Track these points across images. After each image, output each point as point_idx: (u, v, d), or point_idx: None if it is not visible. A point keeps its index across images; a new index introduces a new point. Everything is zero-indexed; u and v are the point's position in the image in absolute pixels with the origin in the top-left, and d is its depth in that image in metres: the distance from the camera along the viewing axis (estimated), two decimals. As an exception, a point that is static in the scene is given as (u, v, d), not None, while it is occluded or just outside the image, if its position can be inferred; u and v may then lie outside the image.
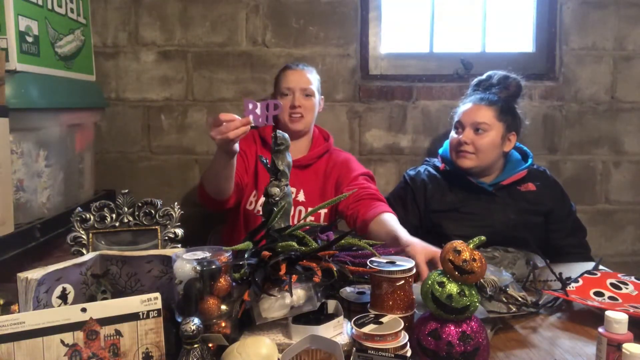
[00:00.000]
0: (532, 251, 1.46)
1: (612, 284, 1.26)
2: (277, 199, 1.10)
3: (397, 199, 1.80)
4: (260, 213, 1.64)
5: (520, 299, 1.15)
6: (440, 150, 1.83)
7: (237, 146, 1.39)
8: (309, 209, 1.67)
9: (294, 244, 0.99)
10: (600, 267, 1.43)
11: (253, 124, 1.30)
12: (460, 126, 1.72)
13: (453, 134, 1.75)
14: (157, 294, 0.84)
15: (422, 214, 1.72)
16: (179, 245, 1.08)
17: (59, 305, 0.89)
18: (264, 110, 1.29)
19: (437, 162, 1.80)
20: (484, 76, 1.81)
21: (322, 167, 1.76)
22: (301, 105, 1.70)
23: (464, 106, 1.74)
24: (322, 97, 1.84)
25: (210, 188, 1.57)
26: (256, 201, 1.69)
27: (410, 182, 1.78)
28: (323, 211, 1.70)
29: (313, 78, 1.77)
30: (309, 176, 1.72)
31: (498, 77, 1.77)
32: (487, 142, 1.66)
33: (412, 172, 1.82)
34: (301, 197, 1.70)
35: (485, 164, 1.69)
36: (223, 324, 0.92)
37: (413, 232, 1.68)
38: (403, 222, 1.70)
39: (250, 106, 1.29)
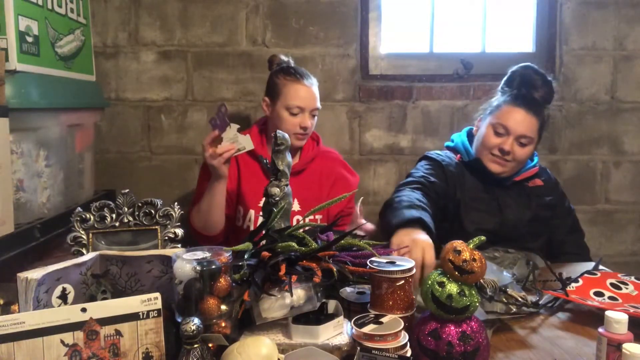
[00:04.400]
0: (533, 251, 1.46)
1: (612, 284, 1.26)
2: (277, 199, 1.10)
3: (430, 170, 1.67)
4: (250, 228, 1.67)
5: (520, 299, 1.15)
6: (452, 144, 1.78)
7: (226, 169, 1.52)
8: (308, 218, 1.67)
9: (294, 244, 0.99)
10: (600, 267, 1.43)
11: (220, 134, 1.49)
12: (504, 130, 1.60)
13: (491, 133, 1.62)
14: (157, 294, 0.84)
15: (450, 189, 1.65)
16: (179, 245, 1.08)
17: (59, 305, 0.89)
18: (221, 119, 1.48)
19: (450, 153, 1.76)
20: (517, 68, 1.70)
21: (315, 171, 1.75)
22: (310, 126, 1.68)
23: (512, 108, 1.61)
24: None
25: (202, 223, 1.59)
26: (242, 217, 1.69)
27: (439, 160, 1.70)
28: (318, 217, 1.70)
29: (318, 92, 1.71)
30: (303, 183, 1.70)
31: (533, 75, 1.67)
32: (526, 153, 1.62)
33: (434, 152, 1.76)
34: (296, 206, 1.67)
35: (513, 172, 1.66)
36: (223, 324, 0.92)
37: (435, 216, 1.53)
38: (435, 198, 1.59)
39: (212, 123, 1.50)
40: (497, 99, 1.70)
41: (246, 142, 1.51)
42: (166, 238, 1.08)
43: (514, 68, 1.72)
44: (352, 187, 1.77)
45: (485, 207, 1.65)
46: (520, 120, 1.60)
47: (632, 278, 1.29)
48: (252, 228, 1.67)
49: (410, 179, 1.64)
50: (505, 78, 1.74)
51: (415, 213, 1.34)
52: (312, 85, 1.69)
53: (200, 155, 2.12)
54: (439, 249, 0.96)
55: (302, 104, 1.64)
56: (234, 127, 1.50)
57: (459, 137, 1.78)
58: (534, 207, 1.66)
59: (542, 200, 1.68)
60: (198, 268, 0.87)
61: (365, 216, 2.14)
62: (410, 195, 1.49)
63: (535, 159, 1.74)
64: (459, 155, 1.73)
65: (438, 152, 1.78)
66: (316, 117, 1.72)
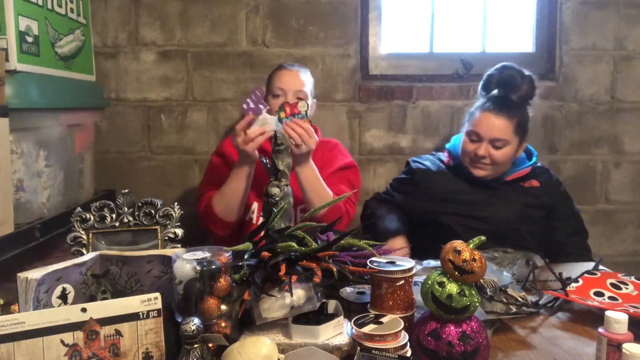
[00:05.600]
0: (532, 251, 1.46)
1: (612, 284, 1.26)
2: (277, 199, 1.10)
3: (396, 182, 1.79)
4: (253, 220, 1.67)
5: (520, 299, 1.15)
6: (448, 146, 1.81)
7: (257, 154, 1.48)
8: (299, 207, 1.67)
9: (294, 244, 0.99)
10: (600, 267, 1.43)
11: (255, 116, 1.44)
12: (476, 137, 1.65)
13: (467, 140, 1.68)
14: (157, 294, 0.84)
15: (424, 203, 1.71)
16: (179, 245, 1.08)
17: (59, 305, 0.89)
18: (255, 101, 1.43)
19: (443, 156, 1.80)
20: (493, 70, 1.72)
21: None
22: None
23: (481, 114, 1.66)
24: (315, 100, 1.81)
25: (224, 208, 1.56)
26: (246, 209, 1.69)
27: (415, 169, 1.77)
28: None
29: (307, 80, 1.72)
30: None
31: (511, 74, 1.69)
32: (504, 155, 1.64)
33: (417, 159, 1.81)
34: None
35: (498, 173, 1.69)
36: (223, 324, 0.92)
37: (410, 221, 1.70)
38: (402, 210, 1.75)
39: (245, 106, 1.43)
40: (474, 105, 1.73)
41: (275, 123, 1.46)
42: (166, 238, 1.08)
43: (490, 71, 1.74)
44: (343, 152, 1.80)
45: (471, 208, 1.67)
46: (490, 125, 1.63)
47: (632, 278, 1.29)
48: (254, 220, 1.68)
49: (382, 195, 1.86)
50: (481, 83, 1.76)
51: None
52: (299, 71, 1.72)
53: (200, 156, 2.12)
54: (438, 249, 0.96)
55: (283, 85, 1.67)
56: (264, 109, 1.46)
57: (454, 140, 1.82)
58: (524, 206, 1.67)
59: (536, 201, 1.68)
60: (198, 268, 0.87)
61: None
62: (381, 217, 1.73)
63: (534, 159, 1.74)
64: (448, 159, 1.76)
65: (420, 159, 1.82)
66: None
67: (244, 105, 1.45)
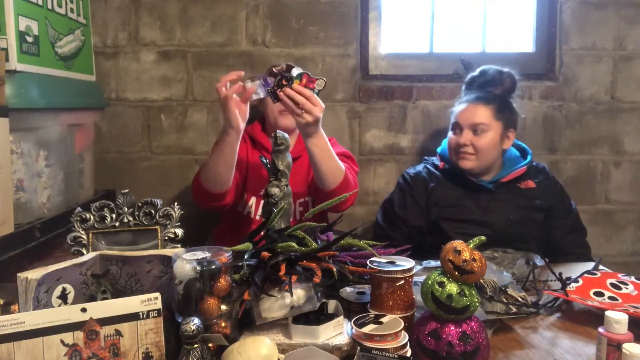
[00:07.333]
0: (531, 250, 1.46)
1: (612, 284, 1.26)
2: (277, 199, 1.10)
3: (398, 199, 1.78)
4: (251, 215, 1.67)
5: (520, 299, 1.15)
6: (439, 149, 1.83)
7: (242, 124, 1.43)
8: (298, 201, 1.69)
9: (294, 244, 0.99)
10: (600, 267, 1.43)
11: (254, 98, 1.40)
12: (457, 127, 1.70)
13: (451, 134, 1.73)
14: (157, 294, 0.84)
15: (424, 212, 1.72)
16: (179, 245, 1.08)
17: (59, 305, 0.89)
18: (264, 89, 1.38)
19: (436, 160, 1.80)
20: (476, 72, 1.78)
21: (307, 157, 1.75)
22: None
23: (460, 106, 1.72)
24: None
25: (206, 176, 1.52)
26: (244, 203, 1.70)
27: (411, 181, 1.77)
28: (308, 198, 1.72)
29: None
30: (296, 168, 1.66)
31: (492, 73, 1.74)
32: (486, 142, 1.65)
33: (411, 171, 1.81)
34: None
35: (486, 164, 1.69)
36: (223, 324, 0.92)
37: (415, 232, 1.70)
38: (404, 224, 1.72)
39: (262, 82, 1.39)
40: (455, 104, 1.78)
41: (262, 90, 1.40)
42: (166, 238, 1.08)
43: (472, 74, 1.79)
44: (338, 146, 1.79)
45: (469, 213, 1.67)
46: (469, 112, 1.68)
47: (632, 278, 1.29)
48: (252, 215, 1.68)
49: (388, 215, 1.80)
50: (464, 85, 1.81)
51: None
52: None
53: (200, 156, 2.12)
54: (438, 250, 0.96)
55: None
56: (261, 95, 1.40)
57: (444, 144, 1.82)
58: (523, 209, 1.67)
59: (533, 203, 1.68)
60: (198, 268, 0.88)
61: (364, 215, 2.15)
62: None
63: (529, 157, 1.75)
64: (442, 163, 1.77)
65: (414, 169, 1.82)
66: None
67: (261, 82, 1.37)
